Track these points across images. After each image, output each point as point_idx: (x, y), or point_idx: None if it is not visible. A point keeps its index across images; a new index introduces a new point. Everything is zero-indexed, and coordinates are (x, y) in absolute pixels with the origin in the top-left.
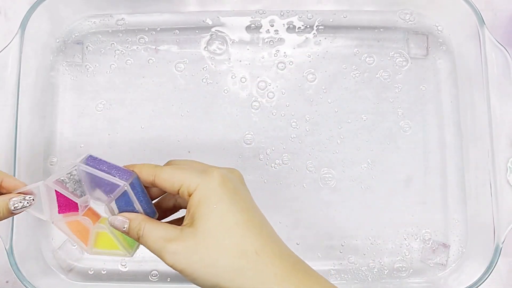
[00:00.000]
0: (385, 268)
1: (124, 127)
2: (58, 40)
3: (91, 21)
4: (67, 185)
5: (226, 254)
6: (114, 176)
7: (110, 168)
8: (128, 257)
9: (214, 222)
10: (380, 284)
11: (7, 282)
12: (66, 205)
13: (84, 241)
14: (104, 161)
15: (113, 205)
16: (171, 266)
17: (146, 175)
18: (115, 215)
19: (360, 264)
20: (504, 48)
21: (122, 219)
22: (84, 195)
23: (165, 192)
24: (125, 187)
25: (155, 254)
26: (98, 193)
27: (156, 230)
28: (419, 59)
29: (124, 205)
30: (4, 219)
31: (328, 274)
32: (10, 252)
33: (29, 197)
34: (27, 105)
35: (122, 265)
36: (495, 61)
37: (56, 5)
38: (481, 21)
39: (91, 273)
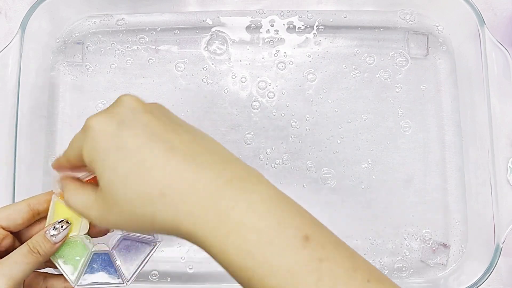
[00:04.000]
0: (385, 268)
1: None
2: (58, 40)
3: (91, 21)
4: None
5: (130, 206)
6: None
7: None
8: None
9: (106, 172)
10: None
11: None
12: None
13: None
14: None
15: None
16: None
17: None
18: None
19: None
20: (504, 48)
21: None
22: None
23: None
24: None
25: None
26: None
27: (75, 196)
28: (419, 59)
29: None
30: (49, 255)
31: None
32: None
33: (61, 221)
34: (27, 105)
35: None
36: (495, 61)
37: (57, 5)
38: (481, 21)
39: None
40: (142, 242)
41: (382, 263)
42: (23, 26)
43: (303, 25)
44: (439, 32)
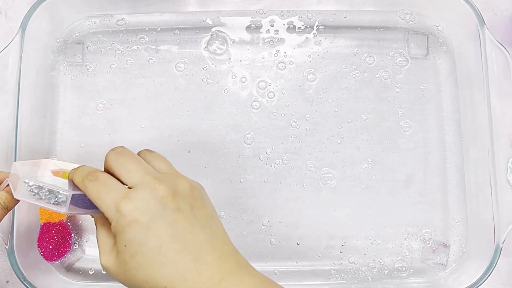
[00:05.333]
0: (385, 268)
1: (124, 127)
2: (58, 40)
3: (91, 21)
4: (41, 197)
5: None
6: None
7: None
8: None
9: (124, 259)
10: (380, 284)
11: (7, 282)
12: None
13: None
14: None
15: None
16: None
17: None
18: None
19: (360, 264)
20: (504, 48)
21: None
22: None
23: None
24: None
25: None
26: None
27: (102, 234)
28: (419, 59)
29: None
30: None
31: (328, 274)
32: (10, 252)
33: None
34: (28, 105)
35: None
36: (495, 61)
37: (57, 5)
38: (481, 21)
39: (91, 273)
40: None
41: (382, 263)
42: (23, 26)
43: (303, 25)
44: (439, 32)
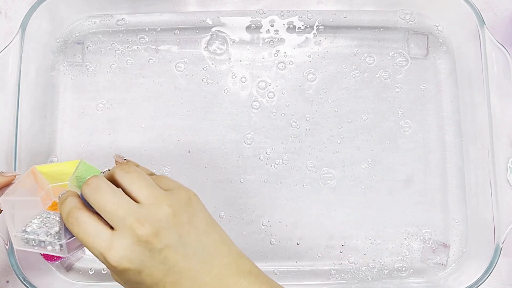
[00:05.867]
0: (385, 268)
1: (124, 127)
2: (58, 40)
3: (91, 21)
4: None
5: None
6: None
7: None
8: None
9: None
10: (380, 284)
11: (7, 282)
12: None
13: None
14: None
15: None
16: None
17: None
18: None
19: (360, 264)
20: (504, 48)
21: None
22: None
23: None
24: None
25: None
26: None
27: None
28: (419, 59)
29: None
30: None
31: (328, 274)
32: (10, 252)
33: None
34: (28, 105)
35: None
36: (495, 61)
37: (57, 5)
38: (481, 21)
39: (91, 273)
40: None
41: (382, 263)
42: (23, 26)
43: (303, 25)
44: (439, 32)
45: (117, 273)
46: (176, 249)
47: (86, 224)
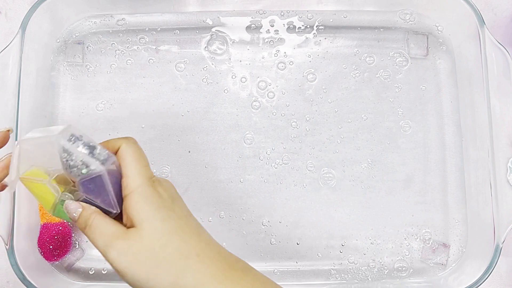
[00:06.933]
0: (385, 268)
1: (124, 127)
2: (58, 40)
3: (91, 21)
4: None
5: (169, 257)
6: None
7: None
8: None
9: (157, 226)
10: (380, 284)
11: (7, 282)
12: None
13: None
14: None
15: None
16: (111, 263)
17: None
18: (72, 200)
19: (360, 264)
20: (504, 48)
21: (77, 205)
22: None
23: None
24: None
25: (97, 248)
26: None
27: (105, 224)
28: (419, 59)
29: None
30: None
31: (328, 274)
32: (11, 252)
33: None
34: (28, 105)
35: None
36: (495, 61)
37: (57, 5)
38: (481, 21)
39: (91, 273)
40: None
41: (382, 263)
42: (24, 26)
43: (303, 25)
44: (439, 32)
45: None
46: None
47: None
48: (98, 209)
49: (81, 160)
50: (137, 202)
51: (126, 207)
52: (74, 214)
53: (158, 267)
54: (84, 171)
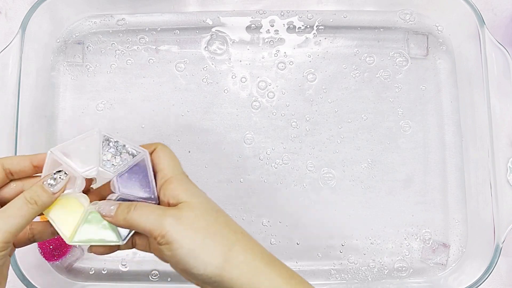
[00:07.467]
0: (385, 268)
1: (124, 126)
2: (58, 40)
3: (91, 21)
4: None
5: (221, 229)
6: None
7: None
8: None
9: (206, 202)
10: (380, 284)
11: (7, 282)
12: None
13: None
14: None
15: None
16: (166, 233)
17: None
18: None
19: (360, 264)
20: (504, 48)
21: (113, 202)
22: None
23: None
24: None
25: (146, 226)
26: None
27: (149, 206)
28: (419, 59)
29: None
30: (46, 205)
31: (328, 274)
32: None
33: (59, 172)
34: (28, 105)
35: (123, 265)
36: (495, 61)
37: (57, 5)
38: (481, 21)
39: (91, 273)
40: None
41: (382, 263)
42: (24, 26)
43: (303, 25)
44: (439, 32)
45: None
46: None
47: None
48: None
49: (123, 146)
50: (181, 183)
51: (167, 191)
52: (112, 207)
53: (212, 237)
54: (126, 156)
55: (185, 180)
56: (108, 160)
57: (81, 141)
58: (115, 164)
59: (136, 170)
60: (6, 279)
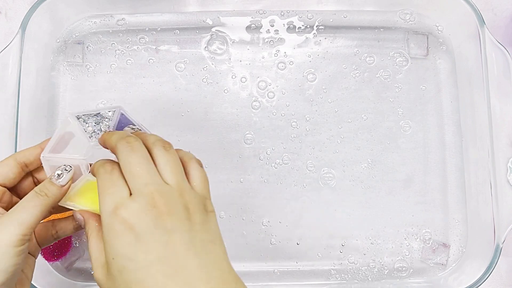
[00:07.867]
0: (385, 268)
1: None
2: (58, 40)
3: (91, 21)
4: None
5: None
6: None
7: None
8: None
9: (113, 273)
10: (380, 284)
11: None
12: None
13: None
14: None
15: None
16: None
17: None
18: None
19: (360, 264)
20: (504, 48)
21: (80, 217)
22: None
23: None
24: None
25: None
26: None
27: (94, 246)
28: (419, 59)
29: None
30: (57, 197)
31: (328, 274)
32: None
33: (65, 165)
34: (28, 105)
35: None
36: (495, 61)
37: (57, 5)
38: (481, 21)
39: (91, 273)
40: None
41: (382, 263)
42: (23, 26)
43: (303, 25)
44: (439, 32)
45: (112, 236)
46: (181, 239)
47: (115, 175)
48: (95, 226)
49: (97, 114)
50: None
51: None
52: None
53: None
54: (106, 119)
55: None
56: (94, 132)
57: (61, 132)
58: (103, 130)
59: (124, 122)
60: (30, 281)
